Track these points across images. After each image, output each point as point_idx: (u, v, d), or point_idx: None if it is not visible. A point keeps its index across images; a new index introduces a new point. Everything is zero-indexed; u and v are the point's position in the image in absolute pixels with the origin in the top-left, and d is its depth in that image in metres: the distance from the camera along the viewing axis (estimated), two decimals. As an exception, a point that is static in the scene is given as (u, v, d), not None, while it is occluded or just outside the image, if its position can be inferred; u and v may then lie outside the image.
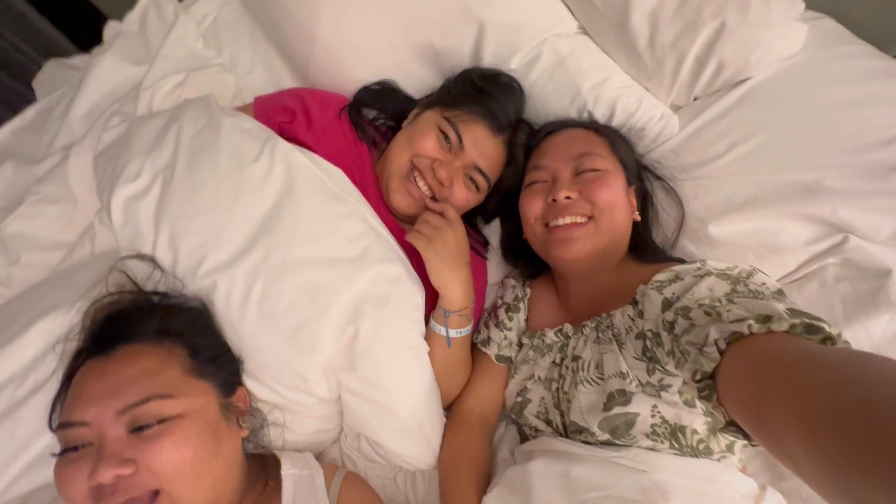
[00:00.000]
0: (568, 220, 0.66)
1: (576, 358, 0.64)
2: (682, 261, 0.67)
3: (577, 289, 0.72)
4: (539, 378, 0.68)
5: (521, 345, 0.76)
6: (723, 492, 0.52)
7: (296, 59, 0.89)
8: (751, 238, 0.69)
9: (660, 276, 0.60)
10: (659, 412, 0.54)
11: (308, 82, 0.90)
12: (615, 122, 0.79)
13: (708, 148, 0.73)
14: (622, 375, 0.57)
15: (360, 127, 0.80)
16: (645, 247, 0.73)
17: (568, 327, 0.68)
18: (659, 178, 0.77)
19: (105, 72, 0.86)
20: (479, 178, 0.75)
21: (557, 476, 0.56)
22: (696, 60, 0.74)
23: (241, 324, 0.59)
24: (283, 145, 0.66)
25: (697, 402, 0.53)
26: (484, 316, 0.82)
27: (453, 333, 0.69)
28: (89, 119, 0.86)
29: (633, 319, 0.61)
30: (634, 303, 0.61)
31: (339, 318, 0.60)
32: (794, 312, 0.44)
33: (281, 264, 0.59)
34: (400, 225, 0.78)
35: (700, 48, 0.72)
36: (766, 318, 0.43)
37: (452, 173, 0.73)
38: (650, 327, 0.57)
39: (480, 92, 0.75)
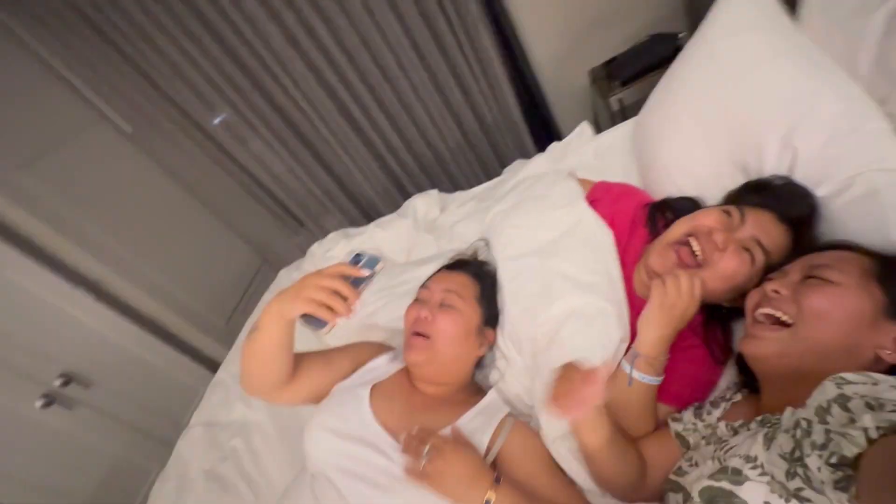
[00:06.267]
0: (769, 310, 0.66)
1: (723, 442, 0.63)
2: None
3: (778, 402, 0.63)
4: (695, 464, 0.69)
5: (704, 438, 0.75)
6: None
7: (641, 169, 1.22)
8: None
9: (851, 376, 0.50)
10: None
11: (642, 186, 1.20)
12: None
13: None
14: (748, 459, 0.55)
15: (653, 218, 1.03)
16: None
17: (739, 423, 0.66)
18: None
19: (538, 163, 1.50)
20: (758, 252, 0.77)
21: None
22: None
23: (503, 289, 0.98)
24: (582, 206, 1.01)
25: None
26: (696, 405, 0.83)
27: (636, 374, 0.78)
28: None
29: (793, 413, 0.55)
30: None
31: (557, 312, 0.88)
32: None
33: (541, 267, 0.95)
34: (634, 294, 0.93)
35: None
36: None
37: (729, 240, 0.78)
38: (805, 415, 0.52)
39: (763, 187, 0.85)
